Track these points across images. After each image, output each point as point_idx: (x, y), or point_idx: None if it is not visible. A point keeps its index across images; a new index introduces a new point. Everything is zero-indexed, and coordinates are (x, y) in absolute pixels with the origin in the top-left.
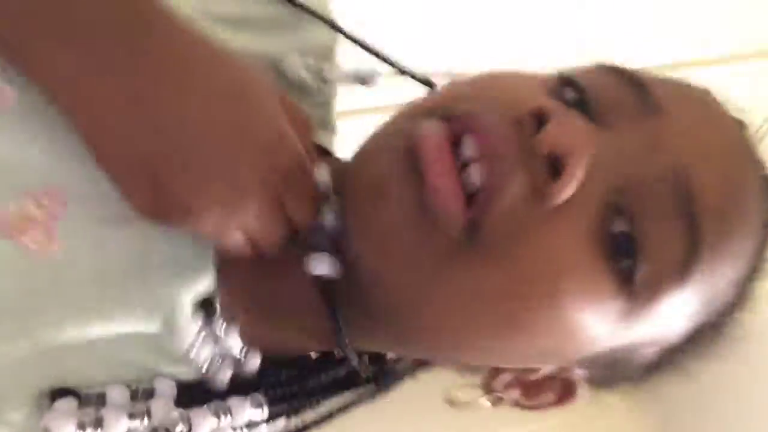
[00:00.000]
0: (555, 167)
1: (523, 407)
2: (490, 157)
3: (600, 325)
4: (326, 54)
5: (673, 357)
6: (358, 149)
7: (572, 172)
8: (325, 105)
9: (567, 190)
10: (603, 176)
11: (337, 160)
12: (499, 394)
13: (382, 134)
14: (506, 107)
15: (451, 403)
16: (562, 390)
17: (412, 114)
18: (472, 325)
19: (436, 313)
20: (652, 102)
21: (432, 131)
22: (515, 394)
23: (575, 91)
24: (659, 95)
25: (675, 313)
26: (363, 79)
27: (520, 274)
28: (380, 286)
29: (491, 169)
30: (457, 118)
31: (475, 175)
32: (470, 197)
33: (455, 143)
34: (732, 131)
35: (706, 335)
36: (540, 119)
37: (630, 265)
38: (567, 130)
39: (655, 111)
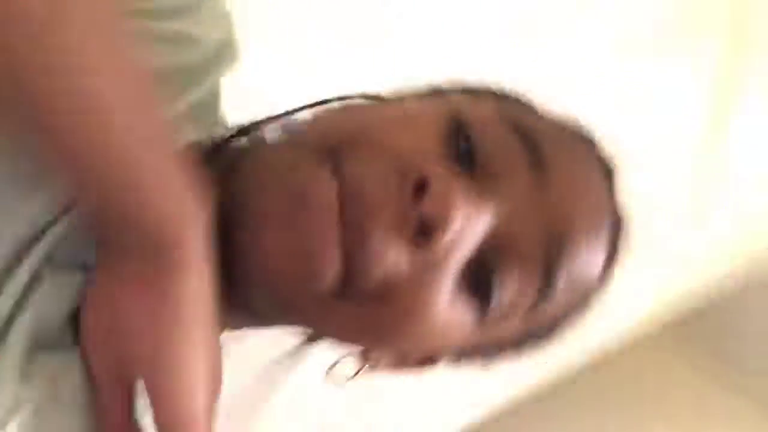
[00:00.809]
0: (427, 229)
1: (394, 369)
2: (368, 228)
3: (458, 336)
4: None
5: (525, 344)
6: (253, 173)
7: (439, 240)
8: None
9: (432, 253)
10: (478, 228)
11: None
12: (374, 362)
13: (276, 167)
14: (394, 159)
15: (333, 379)
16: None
17: (305, 152)
18: (355, 338)
19: (326, 330)
20: (541, 160)
21: (322, 195)
22: (388, 360)
23: (466, 141)
24: (547, 154)
25: (521, 326)
26: None
27: (388, 315)
28: (268, 296)
29: (366, 239)
30: (346, 176)
31: (353, 239)
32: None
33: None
34: (598, 192)
35: (551, 329)
36: (421, 186)
37: (489, 292)
38: (445, 197)
39: (541, 169)
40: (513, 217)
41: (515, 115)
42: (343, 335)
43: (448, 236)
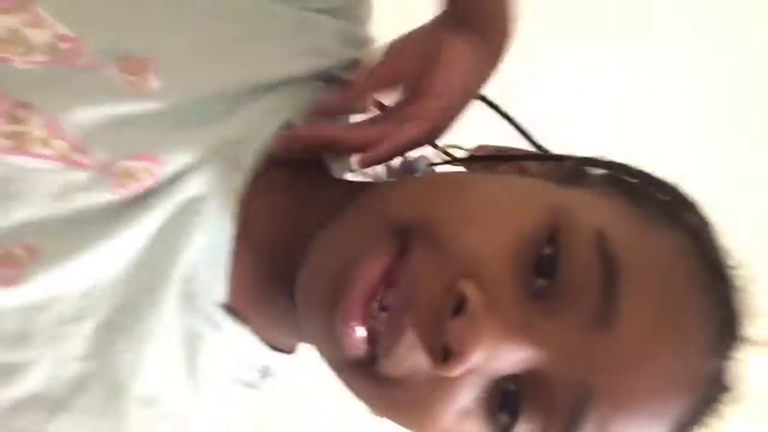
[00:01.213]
0: (448, 350)
1: None
2: (393, 316)
3: None
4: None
5: None
6: (327, 231)
7: (452, 368)
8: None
9: (446, 374)
10: (510, 362)
11: None
12: None
13: (341, 233)
14: (452, 264)
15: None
16: None
17: (374, 225)
18: (369, 407)
19: (339, 381)
20: (611, 313)
21: (369, 275)
22: None
23: (553, 252)
24: (623, 309)
25: None
26: None
27: (399, 399)
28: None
29: (389, 326)
30: (404, 263)
31: (381, 324)
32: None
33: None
34: (683, 358)
35: None
36: (463, 303)
37: (507, 423)
38: (469, 331)
39: (605, 324)
40: (556, 362)
41: (620, 237)
42: (360, 398)
43: (460, 368)
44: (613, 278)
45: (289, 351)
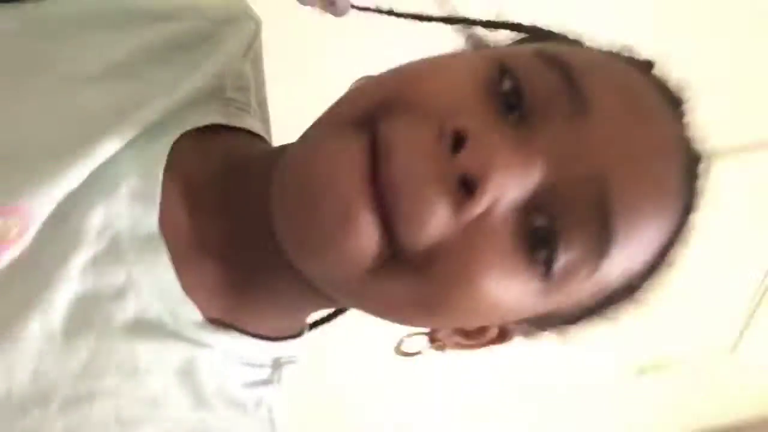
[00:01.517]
0: (470, 184)
1: (464, 347)
2: (405, 186)
3: (521, 305)
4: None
5: (595, 310)
6: (291, 148)
7: (481, 194)
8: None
9: (475, 210)
10: (522, 182)
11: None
12: (442, 342)
13: (305, 145)
14: (431, 117)
15: (400, 353)
16: (499, 332)
17: (337, 125)
18: (406, 317)
19: (374, 309)
20: (582, 101)
21: (346, 161)
22: (457, 339)
23: (511, 81)
24: (590, 93)
25: (590, 287)
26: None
27: (440, 282)
28: (318, 283)
29: (406, 197)
30: (378, 137)
31: (391, 203)
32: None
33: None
34: (657, 126)
35: (625, 294)
36: (460, 140)
37: (548, 254)
38: (481, 152)
39: (583, 111)
40: (560, 166)
41: (555, 51)
42: (393, 315)
43: (490, 191)
44: (568, 74)
45: (297, 334)
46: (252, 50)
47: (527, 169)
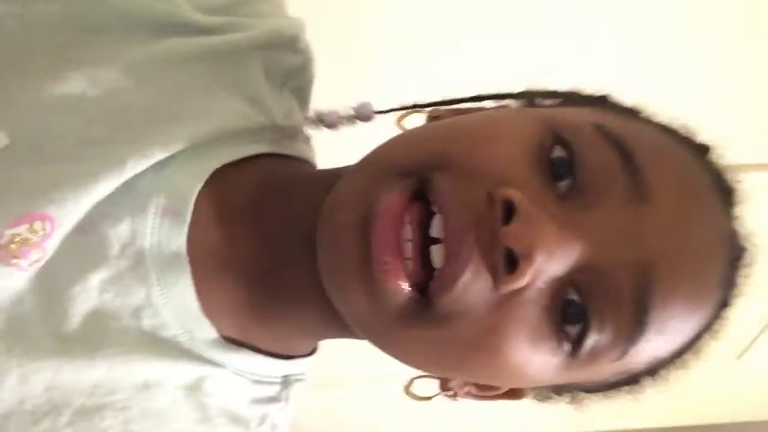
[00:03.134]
0: (513, 259)
1: (475, 398)
2: (452, 244)
3: (541, 376)
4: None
5: (614, 387)
6: (335, 190)
7: (522, 274)
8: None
9: (515, 285)
10: (565, 261)
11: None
12: (453, 391)
13: (352, 184)
14: (481, 181)
15: (410, 394)
16: (513, 390)
17: (385, 170)
18: (423, 366)
19: (393, 352)
20: (642, 188)
21: (391, 204)
22: (468, 389)
23: (565, 151)
24: (651, 181)
25: (613, 368)
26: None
27: (464, 343)
28: (347, 319)
29: (450, 256)
30: (428, 187)
31: (437, 257)
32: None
33: (426, 208)
34: (710, 221)
35: (646, 376)
36: (510, 209)
37: (579, 332)
38: (529, 230)
39: (642, 198)
40: (606, 249)
41: (614, 126)
42: (411, 361)
43: (532, 270)
44: (629, 157)
45: (308, 353)
46: (298, 81)
47: (571, 249)
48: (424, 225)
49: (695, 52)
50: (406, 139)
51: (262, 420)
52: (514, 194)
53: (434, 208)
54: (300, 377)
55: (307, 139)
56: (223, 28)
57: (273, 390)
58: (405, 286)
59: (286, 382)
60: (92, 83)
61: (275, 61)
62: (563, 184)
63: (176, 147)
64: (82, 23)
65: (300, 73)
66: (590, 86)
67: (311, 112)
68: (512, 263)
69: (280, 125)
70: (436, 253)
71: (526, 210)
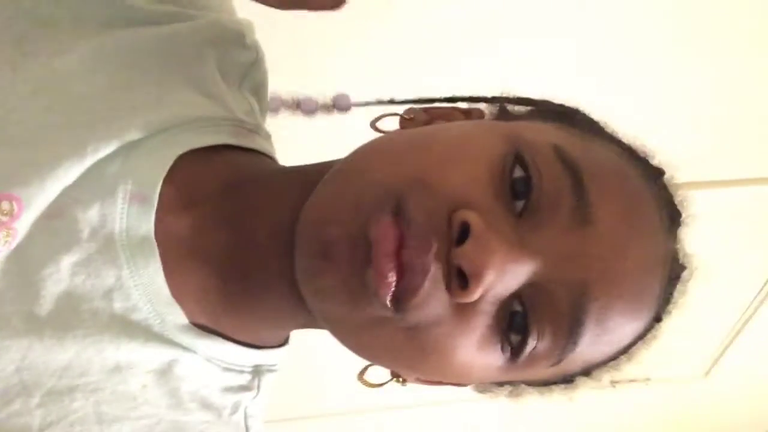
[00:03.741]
0: (463, 276)
1: (422, 383)
2: (411, 256)
3: (483, 376)
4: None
5: (550, 383)
6: (316, 199)
7: (471, 292)
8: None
9: (465, 300)
10: (513, 281)
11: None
12: (403, 378)
13: (337, 202)
14: (444, 203)
15: (363, 381)
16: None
17: (369, 189)
18: (382, 362)
19: (355, 347)
20: (587, 212)
21: (386, 236)
22: (417, 376)
23: (523, 172)
24: (595, 206)
25: (549, 372)
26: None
27: (423, 347)
28: (316, 313)
29: (410, 267)
30: (401, 214)
31: (405, 279)
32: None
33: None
34: (650, 244)
35: (581, 375)
36: (465, 230)
37: (519, 341)
38: (480, 252)
39: (585, 222)
40: (550, 268)
41: (572, 149)
42: (371, 357)
43: (481, 288)
44: (579, 180)
45: (280, 344)
46: (253, 79)
47: (519, 270)
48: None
49: (672, 66)
50: (381, 156)
51: (235, 408)
52: (471, 217)
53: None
54: (272, 368)
55: (268, 136)
56: (168, 17)
57: (244, 379)
58: (386, 300)
59: (257, 371)
60: (50, 72)
61: (228, 59)
62: (520, 203)
63: (136, 134)
64: (33, 16)
65: (254, 70)
66: (562, 97)
67: (289, 96)
68: (464, 280)
69: (241, 118)
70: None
71: (479, 232)
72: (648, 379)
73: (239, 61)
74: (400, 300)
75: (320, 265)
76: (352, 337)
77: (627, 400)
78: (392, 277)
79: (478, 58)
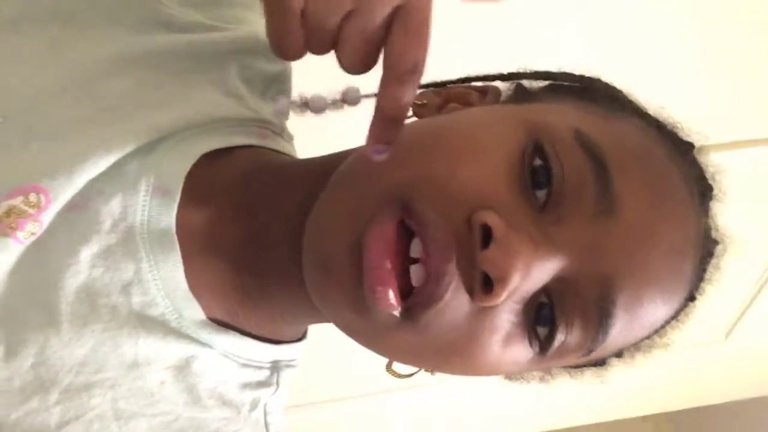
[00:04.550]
0: (490, 281)
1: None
2: (432, 265)
3: (512, 370)
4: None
5: (582, 367)
6: (319, 208)
7: (497, 295)
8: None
9: (491, 304)
10: (539, 279)
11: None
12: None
13: (338, 210)
14: (461, 206)
15: (393, 372)
16: None
17: (370, 194)
18: (404, 362)
19: (374, 348)
20: (612, 201)
21: (382, 235)
22: None
23: (542, 162)
24: (621, 194)
25: (580, 361)
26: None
27: (444, 348)
28: (330, 320)
29: (431, 276)
30: (410, 215)
31: (417, 276)
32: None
33: (406, 229)
34: (680, 227)
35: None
36: (487, 233)
37: (548, 334)
38: (505, 256)
39: (610, 212)
40: (575, 262)
41: (594, 130)
42: (393, 358)
43: (508, 290)
44: (603, 167)
45: (298, 338)
46: (278, 89)
47: (544, 267)
48: (407, 246)
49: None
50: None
51: (254, 405)
52: (492, 219)
53: (416, 233)
54: (291, 363)
55: (291, 138)
56: (204, 27)
57: (262, 374)
58: (394, 308)
59: (275, 366)
60: (80, 70)
61: (251, 68)
62: (542, 193)
63: (162, 130)
64: (68, 16)
65: (280, 82)
66: (580, 69)
67: (296, 96)
68: (489, 283)
69: (267, 119)
70: (416, 272)
71: (503, 235)
72: (667, 345)
73: (265, 71)
74: (415, 309)
75: (322, 278)
76: (368, 344)
77: (647, 366)
78: (386, 290)
79: (487, 40)
